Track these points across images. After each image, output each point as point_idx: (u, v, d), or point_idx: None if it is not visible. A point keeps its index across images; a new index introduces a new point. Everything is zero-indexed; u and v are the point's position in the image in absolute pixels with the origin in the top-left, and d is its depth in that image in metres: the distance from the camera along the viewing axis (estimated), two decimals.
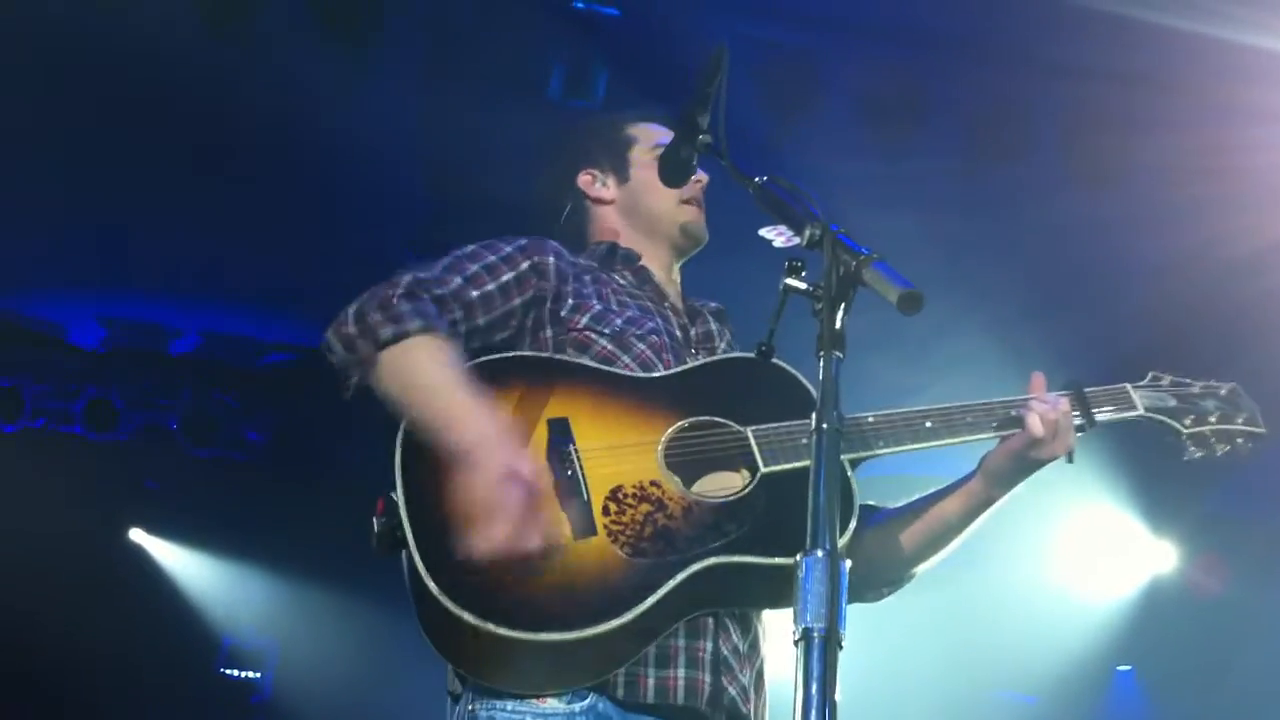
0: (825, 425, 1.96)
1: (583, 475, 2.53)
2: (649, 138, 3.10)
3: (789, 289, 2.13)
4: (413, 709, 2.76)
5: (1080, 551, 8.66)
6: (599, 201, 3.13)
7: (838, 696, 1.81)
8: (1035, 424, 2.68)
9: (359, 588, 7.54)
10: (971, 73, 5.93)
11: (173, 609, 8.96)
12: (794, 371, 2.71)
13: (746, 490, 2.57)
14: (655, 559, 2.46)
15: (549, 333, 2.79)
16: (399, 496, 2.47)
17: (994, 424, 2.75)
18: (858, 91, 5.97)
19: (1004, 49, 5.73)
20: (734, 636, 2.62)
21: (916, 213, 6.15)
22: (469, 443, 2.40)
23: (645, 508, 2.51)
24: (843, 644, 1.84)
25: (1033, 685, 8.98)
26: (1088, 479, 7.52)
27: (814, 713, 1.79)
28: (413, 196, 6.69)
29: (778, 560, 2.46)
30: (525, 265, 2.82)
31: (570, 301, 2.82)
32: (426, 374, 2.56)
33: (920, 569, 2.88)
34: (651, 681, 2.50)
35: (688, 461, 2.59)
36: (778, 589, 2.51)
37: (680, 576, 2.44)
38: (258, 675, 9.30)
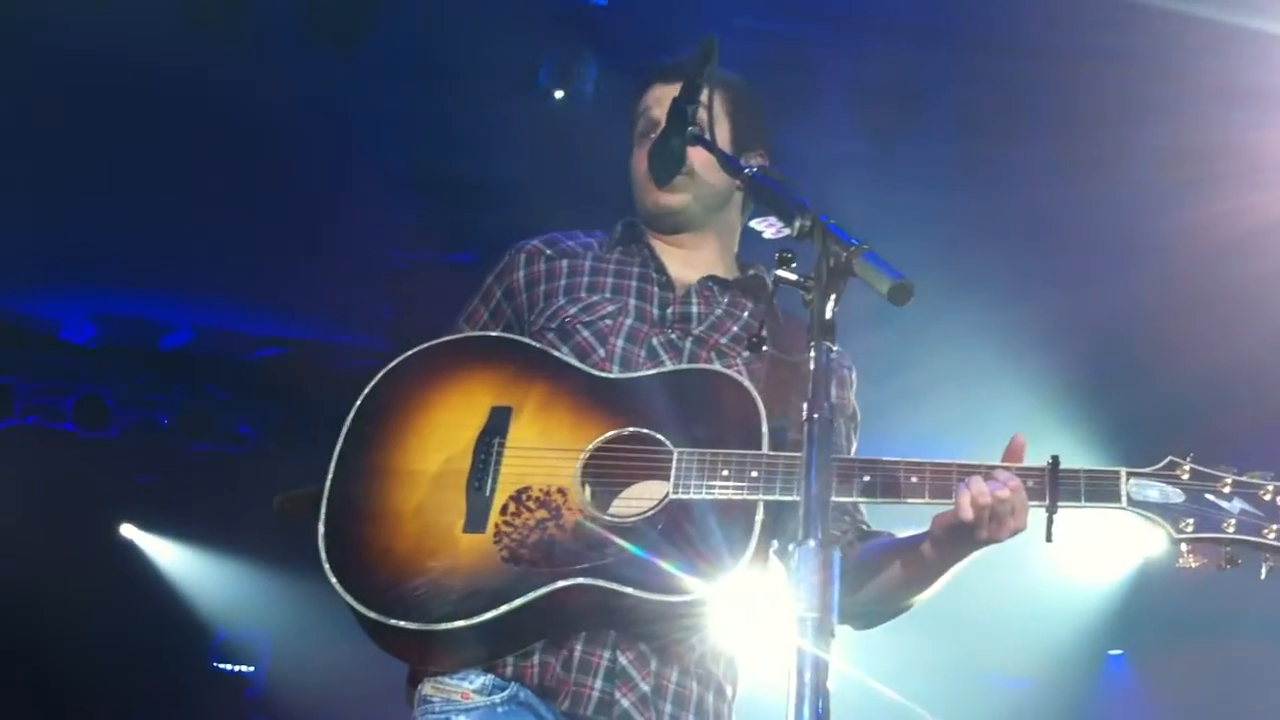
0: (817, 415, 1.95)
1: (495, 470, 2.56)
2: (637, 111, 3.04)
3: (780, 280, 2.13)
4: (403, 702, 2.77)
5: (1071, 535, 8.67)
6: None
7: (830, 684, 1.82)
8: (964, 506, 2.44)
9: None
10: (965, 59, 5.94)
11: (165, 603, 8.97)
12: (754, 394, 2.60)
13: (647, 514, 2.49)
14: (527, 568, 2.45)
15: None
16: (334, 456, 2.59)
17: (940, 492, 2.48)
18: (850, 79, 5.97)
19: (997, 35, 5.73)
20: (641, 644, 2.57)
21: (911, 197, 6.16)
22: None
23: (541, 514, 2.50)
24: (834, 632, 1.84)
25: (1025, 669, 9.01)
26: (1079, 462, 7.51)
27: (807, 701, 1.80)
28: (403, 191, 6.69)
29: (641, 594, 2.40)
30: (499, 294, 2.93)
31: (539, 306, 2.87)
32: None
33: (904, 606, 2.74)
34: (556, 676, 2.53)
35: (611, 472, 2.56)
36: (642, 621, 2.50)
37: (541, 591, 2.42)
38: (250, 669, 9.31)
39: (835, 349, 2.01)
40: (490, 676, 2.53)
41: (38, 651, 8.04)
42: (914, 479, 2.49)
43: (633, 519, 2.49)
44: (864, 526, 2.84)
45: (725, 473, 2.48)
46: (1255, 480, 2.48)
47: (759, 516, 2.45)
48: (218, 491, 8.50)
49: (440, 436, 2.61)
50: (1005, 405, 6.23)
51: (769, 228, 2.34)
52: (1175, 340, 6.74)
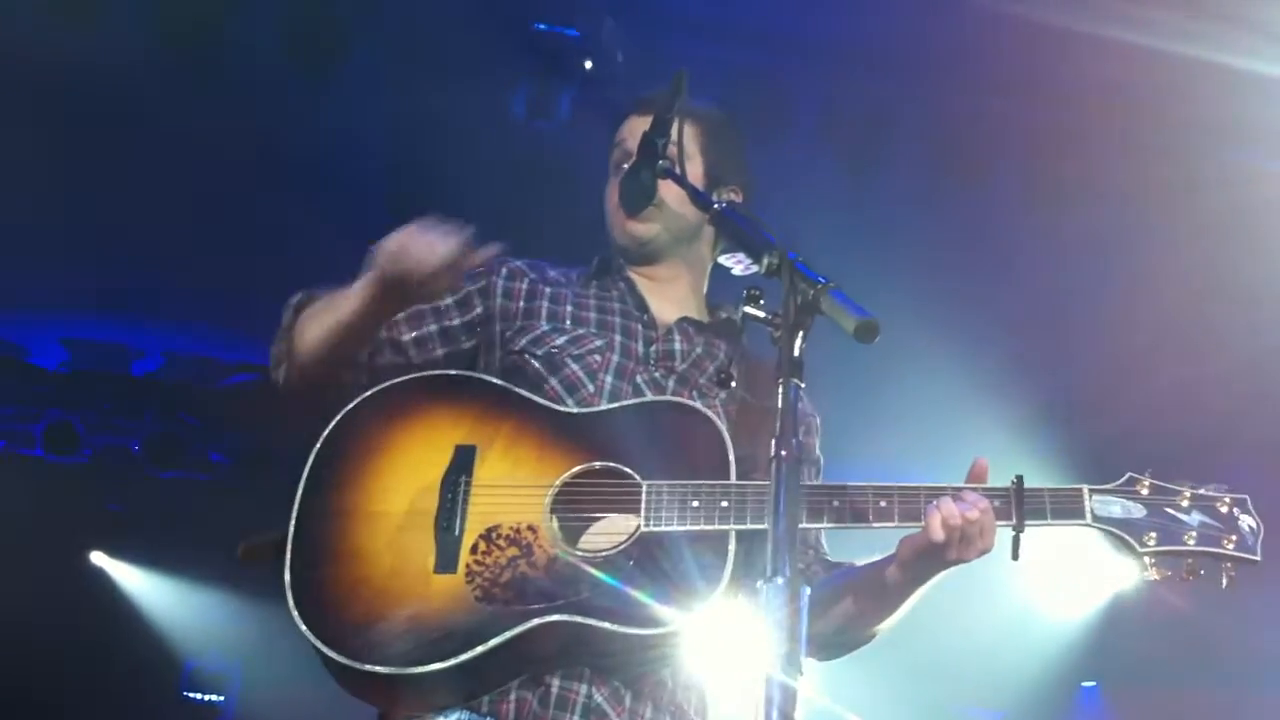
0: (784, 453, 1.96)
1: (463, 509, 2.53)
2: (617, 139, 3.05)
3: (748, 317, 2.14)
4: None
5: (1045, 568, 8.70)
6: None
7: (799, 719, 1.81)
8: (935, 527, 2.47)
9: None
10: (936, 95, 5.97)
11: (135, 632, 8.90)
12: (719, 424, 2.60)
13: (619, 548, 2.48)
14: (501, 607, 2.42)
15: (496, 355, 2.84)
16: (296, 502, 2.56)
17: (908, 514, 2.52)
18: (820, 112, 6.00)
19: (964, 72, 5.77)
20: (615, 680, 2.57)
21: (880, 227, 6.19)
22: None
23: (512, 551, 2.48)
24: (803, 670, 1.84)
25: (999, 701, 9.02)
26: None
27: None
28: (378, 217, 6.67)
29: (617, 628, 2.40)
30: (471, 287, 2.89)
31: (517, 323, 2.85)
32: (328, 297, 2.79)
33: (868, 635, 2.77)
34: (533, 713, 2.51)
35: (581, 507, 2.54)
36: (620, 655, 2.49)
37: (516, 630, 2.40)
38: (221, 698, 9.24)
39: (803, 388, 2.02)
40: (466, 713, 2.51)
41: (5, 679, 7.95)
42: (882, 503, 2.51)
43: (605, 553, 2.48)
44: (826, 558, 2.85)
45: (695, 504, 2.48)
46: (1212, 493, 2.58)
47: (731, 546, 2.46)
48: (188, 519, 8.45)
49: (404, 477, 2.58)
50: (968, 433, 6.25)
51: (738, 264, 2.35)
52: (1139, 371, 6.80)
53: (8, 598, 7.83)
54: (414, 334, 2.84)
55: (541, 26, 5.64)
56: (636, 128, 2.91)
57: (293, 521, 2.53)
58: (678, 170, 2.59)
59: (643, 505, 2.50)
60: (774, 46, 5.85)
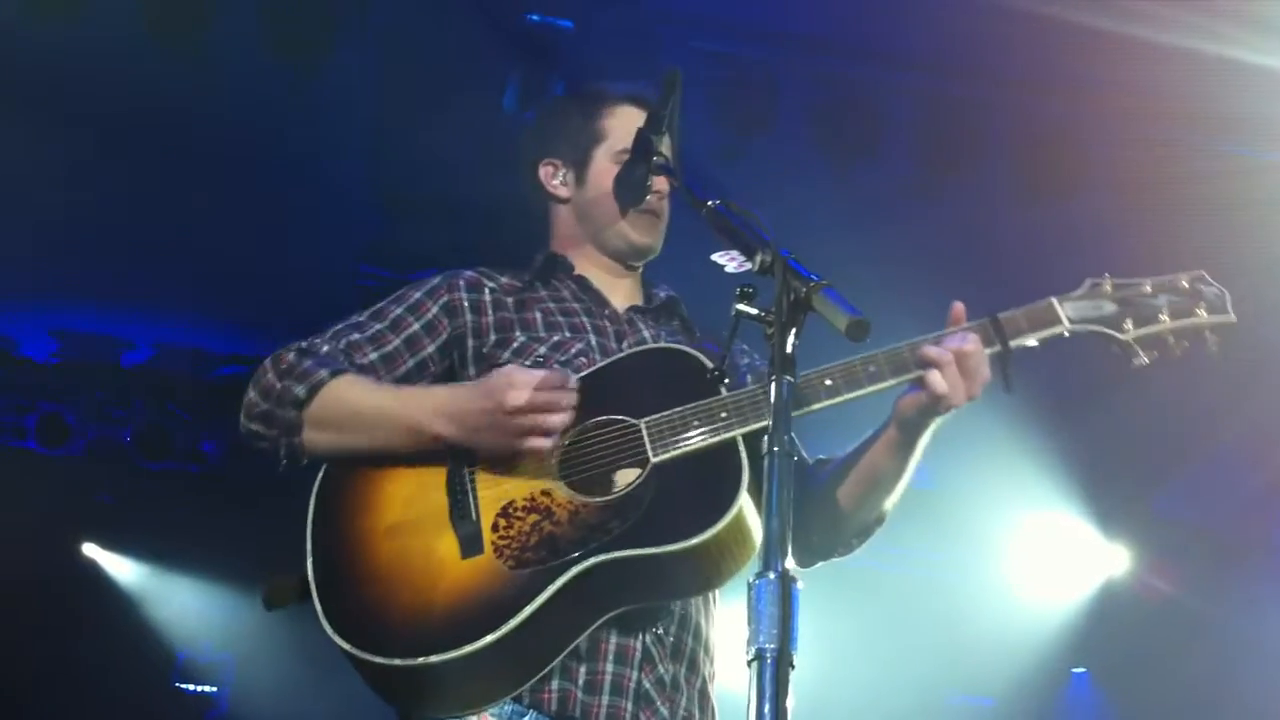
0: (776, 449, 1.98)
1: (473, 496, 2.56)
2: (620, 137, 2.94)
3: (741, 314, 2.16)
4: None
5: (1034, 556, 8.74)
6: (555, 198, 3.07)
7: (789, 716, 1.82)
8: (937, 382, 2.50)
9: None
10: (925, 87, 5.98)
11: (127, 623, 8.88)
12: (695, 353, 2.66)
13: (635, 484, 2.53)
14: (537, 567, 2.45)
15: (472, 371, 2.81)
16: (307, 547, 2.56)
17: (899, 370, 2.56)
18: (810, 104, 6.01)
19: (955, 63, 5.77)
20: (661, 666, 2.62)
21: (868, 219, 6.20)
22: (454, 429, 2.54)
23: (533, 518, 2.52)
24: (794, 664, 1.85)
25: (989, 688, 9.06)
26: (1040, 484, 7.60)
27: None
28: (365, 209, 6.68)
29: (655, 550, 2.44)
30: (435, 309, 2.85)
31: (493, 336, 2.83)
32: (364, 401, 2.63)
33: (876, 514, 2.79)
34: (579, 702, 2.54)
35: (587, 463, 2.58)
36: (667, 580, 2.52)
37: (561, 580, 2.43)
38: (214, 690, 9.23)
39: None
40: (510, 704, 2.52)
41: None
42: (871, 368, 2.56)
43: (623, 492, 2.52)
44: (808, 460, 2.88)
45: (696, 423, 2.54)
46: (1169, 279, 2.69)
47: (742, 450, 2.52)
48: (180, 510, 8.44)
49: (408, 488, 2.60)
50: (956, 427, 6.26)
51: (730, 261, 2.37)
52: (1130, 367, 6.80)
53: None
54: (393, 376, 2.79)
55: (534, 18, 5.64)
56: (631, 122, 2.89)
57: (309, 558, 2.55)
58: (672, 167, 2.61)
59: (646, 440, 2.55)
60: (761, 38, 5.86)
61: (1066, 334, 2.62)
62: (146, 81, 5.71)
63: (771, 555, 1.91)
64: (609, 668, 2.56)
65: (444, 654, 2.37)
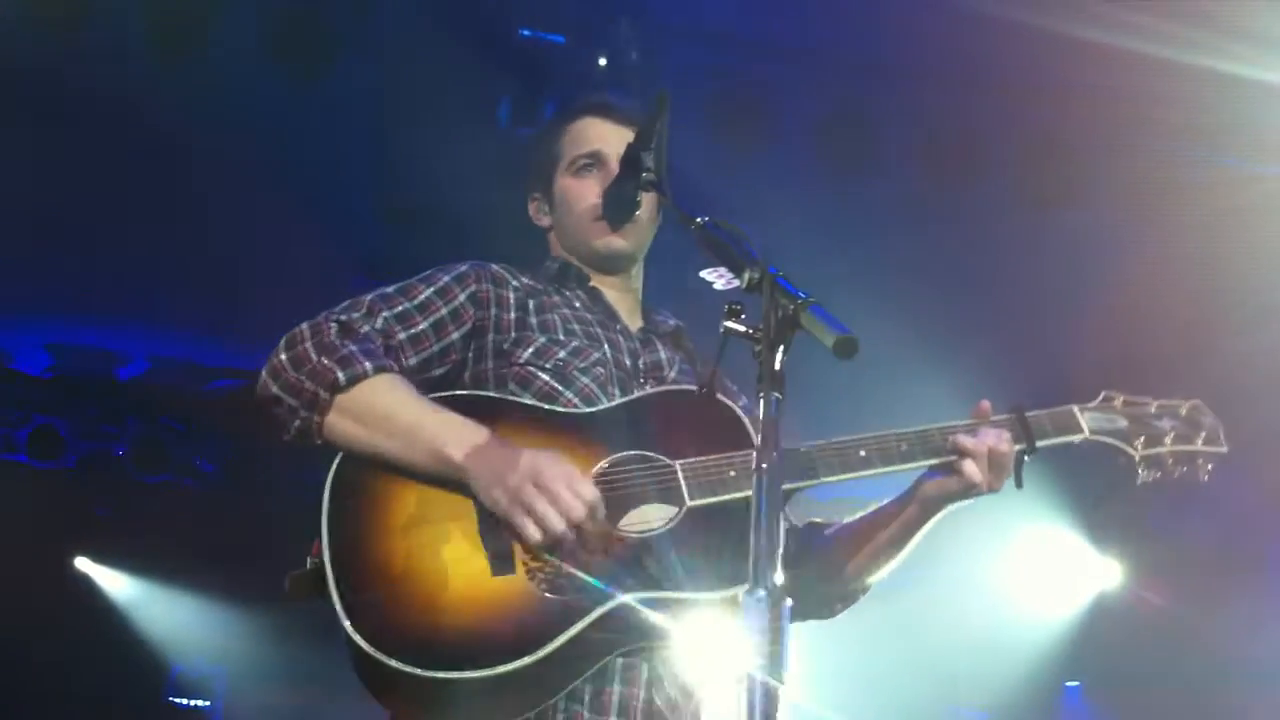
0: (765, 465, 1.98)
1: None
2: (572, 149, 3.00)
3: (729, 331, 2.16)
4: None
5: (1028, 569, 8.75)
6: (543, 229, 3.11)
7: None
8: (972, 471, 2.66)
9: (308, 615, 7.48)
10: (923, 98, 6.00)
11: (120, 637, 8.87)
12: (731, 405, 2.67)
13: (670, 524, 2.52)
14: (573, 595, 2.43)
15: (489, 365, 2.77)
16: (323, 537, 2.47)
17: (931, 452, 2.69)
18: (808, 116, 6.02)
19: (954, 75, 5.79)
20: (667, 686, 2.63)
21: (866, 231, 6.21)
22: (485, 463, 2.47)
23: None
24: (784, 681, 1.85)
25: (982, 701, 9.06)
26: (1034, 499, 7.61)
27: None
28: (364, 221, 6.69)
29: (689, 595, 2.45)
30: (463, 297, 2.80)
31: (513, 334, 2.79)
32: (401, 408, 2.55)
33: (869, 583, 2.87)
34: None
35: (617, 496, 2.54)
36: (697, 623, 2.52)
37: (595, 614, 2.42)
38: (207, 703, 9.22)
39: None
40: None
41: None
42: (904, 446, 2.68)
43: (658, 530, 2.52)
44: (797, 525, 2.92)
45: (733, 473, 2.55)
46: (1172, 403, 2.92)
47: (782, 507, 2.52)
48: (173, 524, 8.44)
49: (432, 491, 2.52)
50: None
51: (719, 279, 2.38)
52: (1125, 374, 6.81)
53: None
54: (419, 358, 2.72)
55: (526, 33, 5.65)
56: (607, 134, 2.95)
57: (327, 550, 2.46)
58: (661, 185, 2.61)
59: (681, 483, 2.55)
60: (756, 51, 5.87)
61: (1078, 441, 2.82)
62: (145, 93, 5.72)
63: (761, 570, 1.91)
64: (616, 688, 2.56)
65: (465, 672, 2.34)
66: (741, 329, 2.15)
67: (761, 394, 2.04)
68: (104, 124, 6.03)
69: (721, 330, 2.19)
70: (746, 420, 2.63)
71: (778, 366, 2.04)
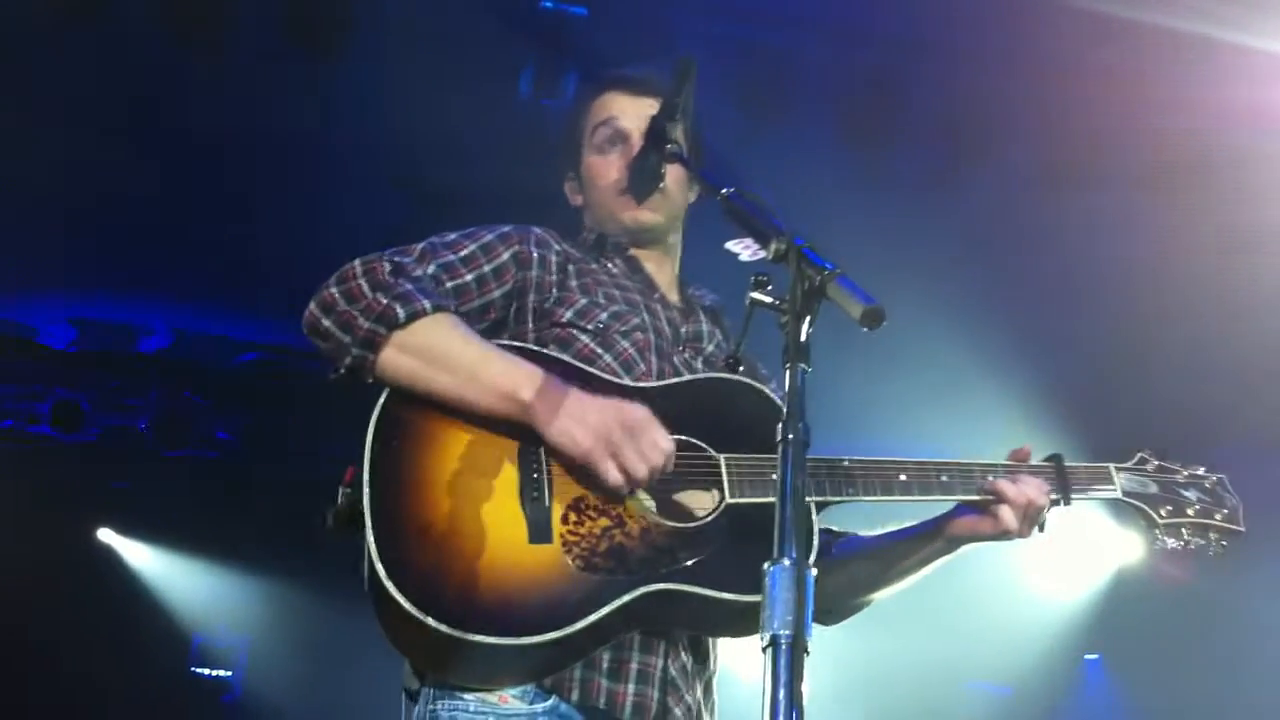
0: (791, 436, 1.98)
1: (549, 480, 2.51)
2: (594, 125, 3.03)
3: (755, 302, 2.16)
4: (383, 707, 2.78)
5: (1048, 543, 8.74)
6: (579, 207, 3.13)
7: (805, 702, 1.83)
8: (1009, 518, 2.73)
9: (329, 586, 7.53)
10: (945, 74, 5.96)
11: (143, 608, 8.94)
12: (778, 401, 2.63)
13: (708, 519, 2.53)
14: (605, 576, 2.43)
15: (530, 325, 2.77)
16: (364, 475, 2.43)
17: (969, 489, 2.76)
18: (829, 91, 5.99)
19: (976, 50, 5.75)
20: (683, 655, 2.65)
21: (889, 206, 6.19)
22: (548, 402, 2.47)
23: (604, 522, 2.49)
24: (809, 650, 1.86)
25: (1005, 676, 9.07)
26: None
27: (781, 718, 1.81)
28: (384, 195, 6.69)
29: (726, 596, 2.46)
30: (506, 255, 2.80)
31: (554, 294, 2.79)
32: (464, 345, 2.54)
33: (871, 600, 2.92)
34: (604, 690, 2.54)
35: (660, 482, 2.53)
36: (724, 622, 2.54)
37: (626, 598, 2.43)
38: (228, 674, 9.29)
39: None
40: (531, 686, 2.50)
41: (13, 656, 8.00)
42: (944, 478, 2.73)
43: (696, 524, 2.53)
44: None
45: (774, 476, 2.48)
46: (1200, 474, 2.99)
47: (814, 516, 2.59)
48: (195, 497, 8.49)
49: (476, 447, 2.51)
50: (976, 413, 6.27)
51: (745, 249, 2.37)
52: (1148, 352, 6.80)
53: (16, 575, 7.88)
54: (461, 311, 2.68)
55: (548, 4, 5.63)
56: (627, 108, 2.97)
57: (367, 494, 2.41)
58: (686, 155, 2.60)
59: (724, 478, 2.56)
60: (780, 23, 5.83)
61: (1109, 498, 2.91)
62: (163, 71, 5.72)
63: (785, 541, 1.92)
64: (635, 656, 2.57)
65: (494, 637, 2.34)
66: (768, 300, 2.15)
67: (787, 366, 2.04)
68: (126, 102, 6.04)
69: (747, 301, 2.19)
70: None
71: (804, 338, 2.04)
